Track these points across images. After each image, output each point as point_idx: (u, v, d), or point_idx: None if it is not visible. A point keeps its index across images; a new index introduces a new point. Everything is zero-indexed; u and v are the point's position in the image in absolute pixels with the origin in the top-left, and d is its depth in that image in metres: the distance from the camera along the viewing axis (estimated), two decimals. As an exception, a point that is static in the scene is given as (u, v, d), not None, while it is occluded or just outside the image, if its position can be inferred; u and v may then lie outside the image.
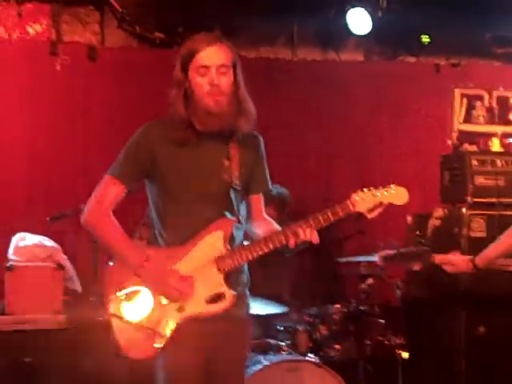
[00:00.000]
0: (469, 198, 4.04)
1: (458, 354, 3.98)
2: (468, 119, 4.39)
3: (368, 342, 3.75)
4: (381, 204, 2.39)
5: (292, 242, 2.32)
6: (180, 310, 2.34)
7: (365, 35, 4.93)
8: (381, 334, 3.82)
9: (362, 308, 3.80)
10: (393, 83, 5.31)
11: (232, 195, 2.44)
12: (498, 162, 4.09)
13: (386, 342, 3.81)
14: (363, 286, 3.87)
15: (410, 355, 3.86)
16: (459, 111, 4.38)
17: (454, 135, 4.38)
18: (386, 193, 2.38)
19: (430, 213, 4.42)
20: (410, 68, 5.42)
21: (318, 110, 5.21)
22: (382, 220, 4.90)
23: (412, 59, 5.47)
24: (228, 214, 2.42)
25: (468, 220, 4.00)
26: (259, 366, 3.30)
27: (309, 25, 5.15)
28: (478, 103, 4.40)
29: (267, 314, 3.66)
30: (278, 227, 2.49)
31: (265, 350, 3.49)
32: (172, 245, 2.41)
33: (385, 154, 5.26)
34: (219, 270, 2.35)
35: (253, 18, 4.91)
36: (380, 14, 4.78)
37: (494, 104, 4.41)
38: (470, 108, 4.39)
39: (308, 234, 2.31)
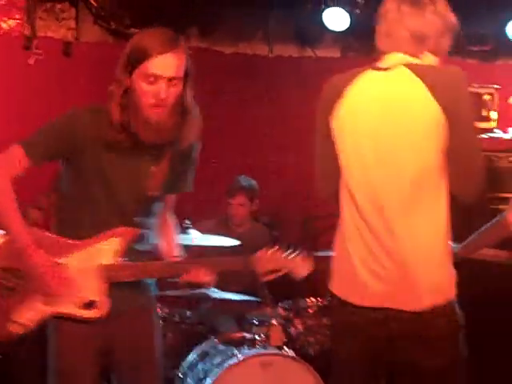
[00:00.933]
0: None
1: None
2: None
3: (342, 336, 3.75)
4: (279, 270, 2.31)
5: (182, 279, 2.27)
6: (46, 303, 2.22)
7: (341, 32, 4.95)
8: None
9: (336, 302, 3.80)
10: (369, 80, 5.32)
11: (147, 203, 2.31)
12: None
13: (360, 335, 3.81)
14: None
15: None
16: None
17: (429, 130, 4.41)
18: (290, 259, 2.30)
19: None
20: (386, 65, 5.45)
21: (296, 106, 5.21)
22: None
23: (388, 56, 5.49)
24: (136, 223, 2.27)
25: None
26: (234, 360, 3.29)
27: (285, 21, 5.16)
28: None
29: (241, 300, 3.66)
30: (175, 235, 2.44)
31: (239, 343, 3.48)
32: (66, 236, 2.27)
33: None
34: (101, 278, 2.22)
35: (229, 14, 4.91)
36: (357, 11, 4.81)
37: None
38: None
39: (201, 276, 2.27)
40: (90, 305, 2.22)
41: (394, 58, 2.07)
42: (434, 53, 2.13)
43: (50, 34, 4.84)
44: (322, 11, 4.85)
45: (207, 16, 5.03)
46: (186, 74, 2.21)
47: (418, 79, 2.00)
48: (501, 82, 4.78)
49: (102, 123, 2.20)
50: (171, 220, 2.48)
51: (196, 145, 2.38)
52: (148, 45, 2.14)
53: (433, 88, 1.98)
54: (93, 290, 2.22)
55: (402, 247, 2.01)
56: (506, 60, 5.55)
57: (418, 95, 1.99)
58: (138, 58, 2.15)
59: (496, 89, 4.56)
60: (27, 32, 4.73)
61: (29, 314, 2.22)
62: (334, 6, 4.80)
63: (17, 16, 4.74)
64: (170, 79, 2.15)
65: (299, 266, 2.28)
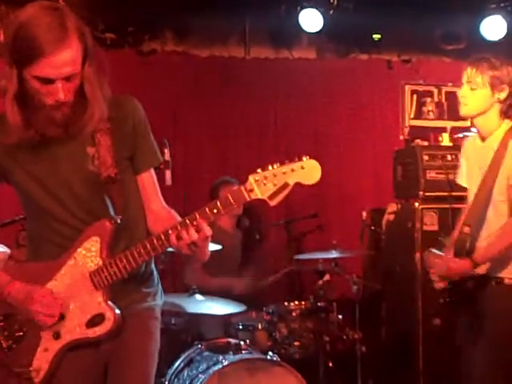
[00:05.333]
0: (421, 193, 4.12)
1: (415, 347, 4.05)
2: (418, 115, 4.48)
3: (327, 339, 3.77)
4: (286, 185, 1.93)
5: (179, 245, 1.91)
6: (56, 337, 2.00)
7: (317, 33, 4.96)
8: (339, 330, 3.85)
9: (319, 304, 3.82)
10: (346, 80, 5.35)
11: (108, 188, 2.01)
12: (448, 157, 4.18)
13: (345, 338, 3.84)
14: (320, 282, 3.90)
15: (367, 350, 3.91)
16: (410, 107, 4.46)
17: (406, 130, 4.45)
18: (292, 170, 1.92)
19: (384, 208, 4.49)
20: (362, 65, 5.47)
21: (273, 108, 5.23)
22: (339, 216, 5.06)
23: (364, 56, 5.51)
24: (108, 214, 2.01)
25: (421, 214, 4.07)
26: (219, 366, 3.28)
27: (261, 23, 5.16)
28: (428, 99, 4.49)
29: (226, 314, 3.65)
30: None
31: (224, 349, 3.48)
32: (39, 260, 2.05)
33: (340, 150, 5.30)
34: (95, 286, 1.98)
35: (205, 17, 4.90)
36: (331, 12, 4.82)
37: (443, 100, 4.50)
38: (420, 104, 4.48)
39: (192, 234, 1.89)
40: (96, 321, 1.99)
41: None
42: None
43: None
44: (298, 13, 4.87)
45: (181, 19, 5.01)
46: (84, 57, 1.90)
47: None
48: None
49: (5, 124, 1.94)
50: (170, 212, 2.13)
51: (133, 104, 2.08)
52: (35, 42, 1.81)
53: None
54: (92, 303, 1.99)
55: None
56: (480, 58, 5.61)
57: None
58: (25, 56, 1.83)
59: (471, 87, 4.61)
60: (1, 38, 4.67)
61: (44, 355, 2.01)
62: (308, 7, 4.82)
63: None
64: (66, 78, 1.87)
65: (306, 172, 1.91)
